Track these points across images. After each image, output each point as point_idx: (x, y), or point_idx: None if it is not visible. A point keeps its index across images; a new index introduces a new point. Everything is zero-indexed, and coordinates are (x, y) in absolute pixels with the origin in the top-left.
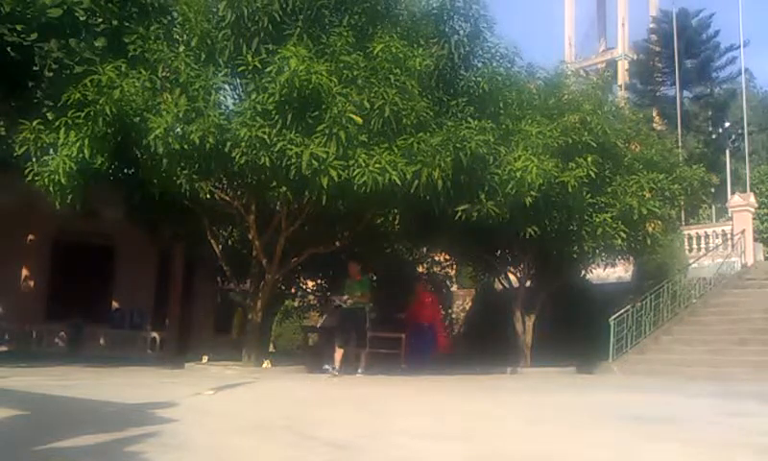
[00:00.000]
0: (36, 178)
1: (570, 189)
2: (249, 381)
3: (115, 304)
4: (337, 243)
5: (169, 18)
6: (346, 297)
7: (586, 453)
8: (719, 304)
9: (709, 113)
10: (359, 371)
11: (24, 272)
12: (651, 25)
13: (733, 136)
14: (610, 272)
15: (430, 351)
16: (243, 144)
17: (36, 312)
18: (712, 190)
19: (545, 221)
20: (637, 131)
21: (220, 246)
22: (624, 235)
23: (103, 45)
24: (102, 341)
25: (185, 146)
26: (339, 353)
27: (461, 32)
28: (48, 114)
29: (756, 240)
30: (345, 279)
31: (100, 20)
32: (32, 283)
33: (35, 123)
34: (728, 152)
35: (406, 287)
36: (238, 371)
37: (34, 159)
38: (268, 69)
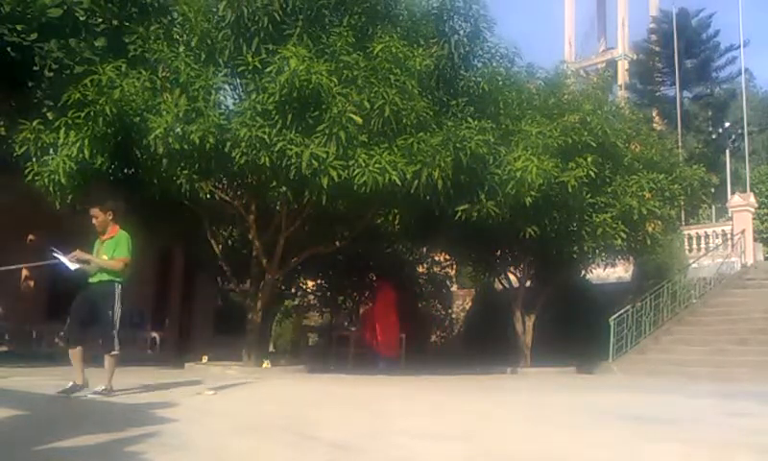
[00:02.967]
0: (36, 178)
1: (570, 189)
2: (249, 381)
3: None
4: (337, 243)
5: (169, 18)
6: (71, 257)
7: (586, 453)
8: (719, 304)
9: (709, 113)
10: (100, 388)
11: (24, 272)
12: (651, 25)
13: (733, 136)
14: (610, 272)
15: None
16: (243, 144)
17: (36, 312)
18: (712, 190)
19: (545, 221)
20: (637, 131)
21: (220, 246)
22: (624, 235)
23: (103, 45)
24: (102, 341)
25: (185, 146)
26: (74, 356)
27: (461, 32)
28: (48, 114)
29: (755, 240)
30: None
31: (100, 20)
32: (32, 283)
33: (35, 123)
34: (728, 152)
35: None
36: (238, 371)
37: (34, 159)
38: (268, 69)
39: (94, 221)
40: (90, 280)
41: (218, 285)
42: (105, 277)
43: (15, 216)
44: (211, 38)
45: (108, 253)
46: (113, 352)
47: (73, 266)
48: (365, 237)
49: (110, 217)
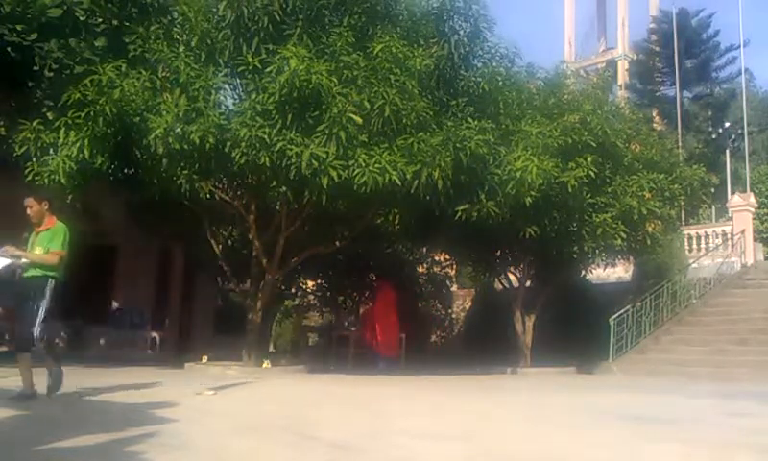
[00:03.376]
0: (36, 178)
1: (570, 189)
2: (249, 381)
3: (115, 304)
4: (337, 243)
5: (169, 18)
6: (3, 252)
7: (586, 453)
8: (719, 304)
9: (709, 113)
10: (17, 392)
11: None
12: (651, 25)
13: (733, 136)
14: (610, 272)
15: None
16: (243, 144)
17: None
18: (712, 190)
19: (545, 221)
20: (637, 131)
21: (220, 246)
22: (624, 235)
23: (103, 45)
24: (102, 341)
25: (185, 146)
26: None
27: (461, 32)
28: (48, 114)
29: (755, 240)
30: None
31: (100, 20)
32: None
33: (35, 123)
34: (728, 152)
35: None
36: (238, 371)
37: (34, 159)
38: (268, 69)
39: (29, 211)
40: (24, 275)
41: (218, 285)
42: (38, 272)
43: (15, 216)
44: (211, 38)
45: (41, 245)
46: (29, 350)
47: (0, 264)
48: (365, 237)
49: (46, 207)
